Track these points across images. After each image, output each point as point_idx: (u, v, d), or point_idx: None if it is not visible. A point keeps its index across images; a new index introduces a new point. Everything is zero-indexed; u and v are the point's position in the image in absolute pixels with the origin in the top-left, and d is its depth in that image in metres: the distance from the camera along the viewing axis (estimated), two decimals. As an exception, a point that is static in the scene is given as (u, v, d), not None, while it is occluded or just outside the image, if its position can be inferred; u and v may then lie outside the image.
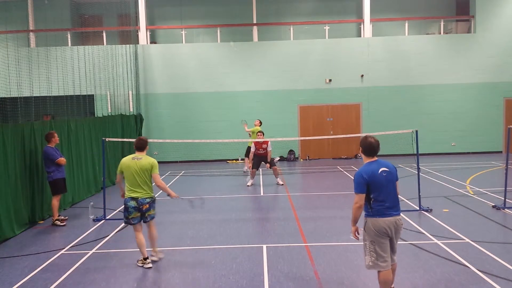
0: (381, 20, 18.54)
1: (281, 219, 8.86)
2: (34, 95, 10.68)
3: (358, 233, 4.94)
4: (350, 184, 7.55)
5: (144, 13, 18.00)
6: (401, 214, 4.87)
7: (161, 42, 19.04)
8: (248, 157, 13.84)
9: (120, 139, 12.89)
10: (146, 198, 6.23)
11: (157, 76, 18.07)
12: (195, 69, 18.05)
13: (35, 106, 10.58)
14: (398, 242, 5.01)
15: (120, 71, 16.02)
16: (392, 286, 5.03)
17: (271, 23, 18.76)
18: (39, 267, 6.42)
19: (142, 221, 6.34)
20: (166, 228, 8.28)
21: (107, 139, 9.52)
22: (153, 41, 18.90)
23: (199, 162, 17.92)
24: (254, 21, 18.33)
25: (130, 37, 17.45)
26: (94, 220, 9.04)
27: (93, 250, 7.15)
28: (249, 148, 13.67)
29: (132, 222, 6.28)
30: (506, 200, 9.16)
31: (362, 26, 18.27)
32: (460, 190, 11.04)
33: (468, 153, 18.19)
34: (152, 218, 6.40)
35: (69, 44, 17.97)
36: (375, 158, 4.87)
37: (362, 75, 17.96)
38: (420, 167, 9.52)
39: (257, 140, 12.14)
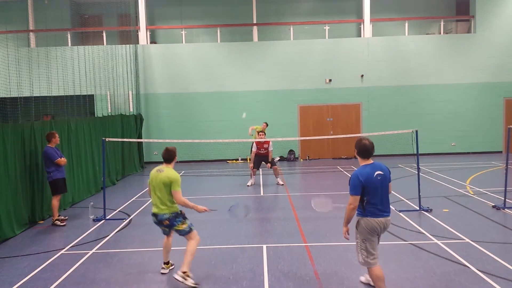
0: (381, 20, 18.54)
1: (281, 219, 8.86)
2: (34, 95, 10.67)
3: (349, 234, 5.10)
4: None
5: (144, 13, 18.00)
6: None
7: (161, 42, 19.04)
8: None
9: (120, 139, 12.92)
10: (165, 214, 5.67)
11: (157, 76, 18.07)
12: (195, 69, 18.05)
13: (35, 106, 10.58)
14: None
15: (120, 71, 16.01)
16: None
17: (271, 23, 18.76)
18: (39, 267, 6.42)
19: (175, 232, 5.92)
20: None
21: (107, 139, 9.51)
22: (153, 41, 18.90)
23: (199, 162, 17.92)
24: (254, 21, 18.34)
25: (130, 37, 17.46)
26: (94, 220, 9.03)
27: (93, 250, 7.15)
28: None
29: (163, 233, 6.07)
30: (506, 200, 9.16)
31: (362, 26, 18.27)
32: (460, 190, 11.04)
33: (468, 153, 18.19)
34: (187, 233, 5.77)
35: (69, 44, 17.98)
36: (371, 160, 4.98)
37: (362, 75, 17.96)
38: (420, 167, 9.51)
39: (258, 140, 12.19)
